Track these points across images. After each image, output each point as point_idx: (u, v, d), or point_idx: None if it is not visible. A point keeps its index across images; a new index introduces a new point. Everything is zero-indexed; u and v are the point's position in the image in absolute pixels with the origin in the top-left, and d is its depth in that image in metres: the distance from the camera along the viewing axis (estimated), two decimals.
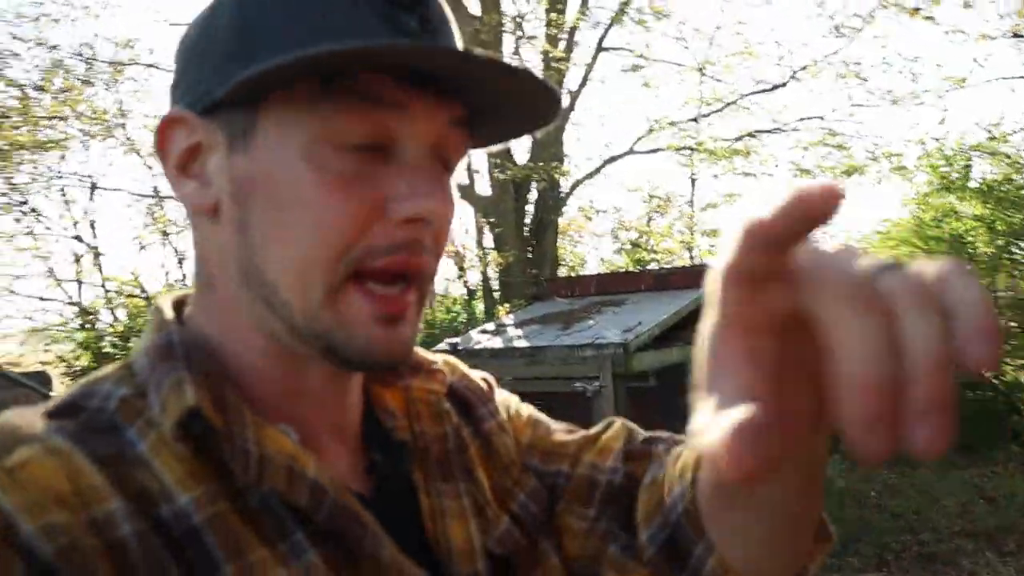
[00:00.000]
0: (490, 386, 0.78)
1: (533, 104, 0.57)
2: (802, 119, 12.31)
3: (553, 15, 11.17)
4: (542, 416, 0.78)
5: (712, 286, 0.34)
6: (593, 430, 0.74)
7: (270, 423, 0.55)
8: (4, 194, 9.75)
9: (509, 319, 9.03)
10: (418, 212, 0.53)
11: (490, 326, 8.84)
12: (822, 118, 12.29)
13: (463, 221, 12.43)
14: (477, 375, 0.78)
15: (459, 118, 0.57)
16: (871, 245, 8.29)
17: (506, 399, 0.79)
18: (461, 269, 13.94)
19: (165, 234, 10.73)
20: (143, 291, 10.23)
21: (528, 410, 0.78)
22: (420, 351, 0.71)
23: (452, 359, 0.76)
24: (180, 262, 10.77)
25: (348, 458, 0.63)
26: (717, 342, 0.34)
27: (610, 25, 11.85)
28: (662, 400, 7.96)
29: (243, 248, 0.56)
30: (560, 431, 0.76)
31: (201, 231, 0.59)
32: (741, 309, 0.33)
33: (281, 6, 0.54)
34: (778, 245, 0.31)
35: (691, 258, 14.42)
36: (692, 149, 12.27)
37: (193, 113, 0.57)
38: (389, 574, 0.56)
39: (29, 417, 0.51)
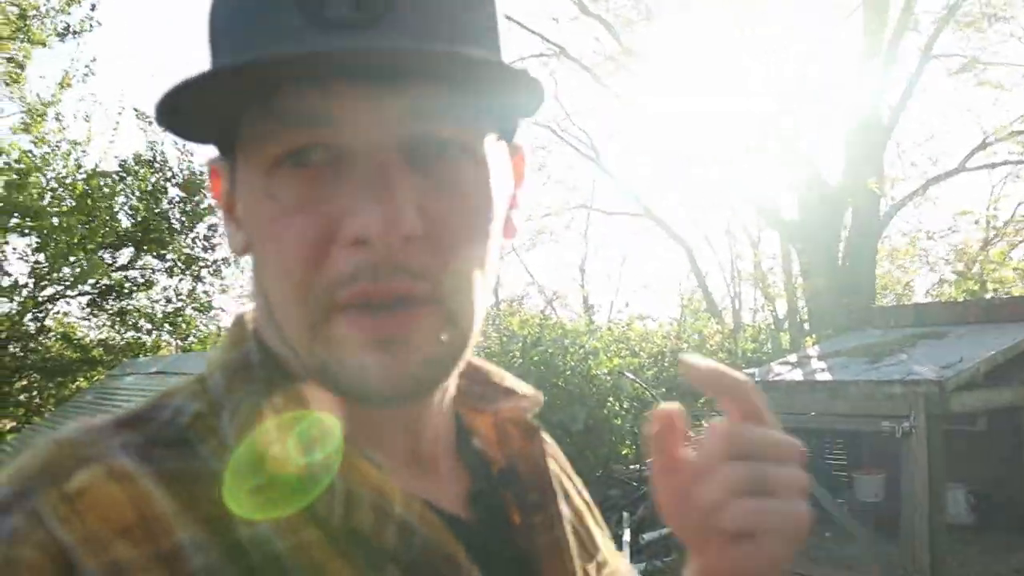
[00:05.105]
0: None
1: (502, 84, 0.49)
2: None
3: (874, 23, 10.47)
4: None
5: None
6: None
7: (356, 447, 0.51)
8: None
9: (814, 351, 8.60)
10: (356, 233, 0.46)
11: (792, 357, 8.51)
12: None
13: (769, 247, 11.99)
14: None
15: (427, 102, 0.48)
16: None
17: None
18: (767, 298, 13.41)
19: None
20: None
21: None
22: (511, 377, 0.67)
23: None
24: None
25: (444, 484, 0.59)
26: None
27: (938, 29, 10.82)
28: (992, 446, 7.03)
29: (260, 286, 0.53)
30: None
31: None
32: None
33: (220, 22, 0.51)
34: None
35: None
36: None
37: (222, 159, 0.56)
38: None
39: (93, 431, 0.49)
